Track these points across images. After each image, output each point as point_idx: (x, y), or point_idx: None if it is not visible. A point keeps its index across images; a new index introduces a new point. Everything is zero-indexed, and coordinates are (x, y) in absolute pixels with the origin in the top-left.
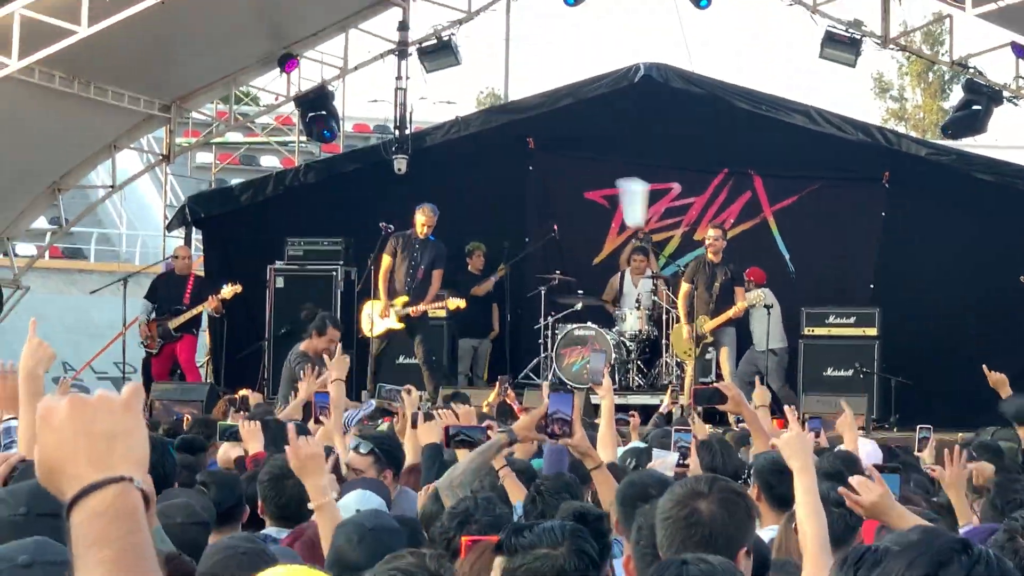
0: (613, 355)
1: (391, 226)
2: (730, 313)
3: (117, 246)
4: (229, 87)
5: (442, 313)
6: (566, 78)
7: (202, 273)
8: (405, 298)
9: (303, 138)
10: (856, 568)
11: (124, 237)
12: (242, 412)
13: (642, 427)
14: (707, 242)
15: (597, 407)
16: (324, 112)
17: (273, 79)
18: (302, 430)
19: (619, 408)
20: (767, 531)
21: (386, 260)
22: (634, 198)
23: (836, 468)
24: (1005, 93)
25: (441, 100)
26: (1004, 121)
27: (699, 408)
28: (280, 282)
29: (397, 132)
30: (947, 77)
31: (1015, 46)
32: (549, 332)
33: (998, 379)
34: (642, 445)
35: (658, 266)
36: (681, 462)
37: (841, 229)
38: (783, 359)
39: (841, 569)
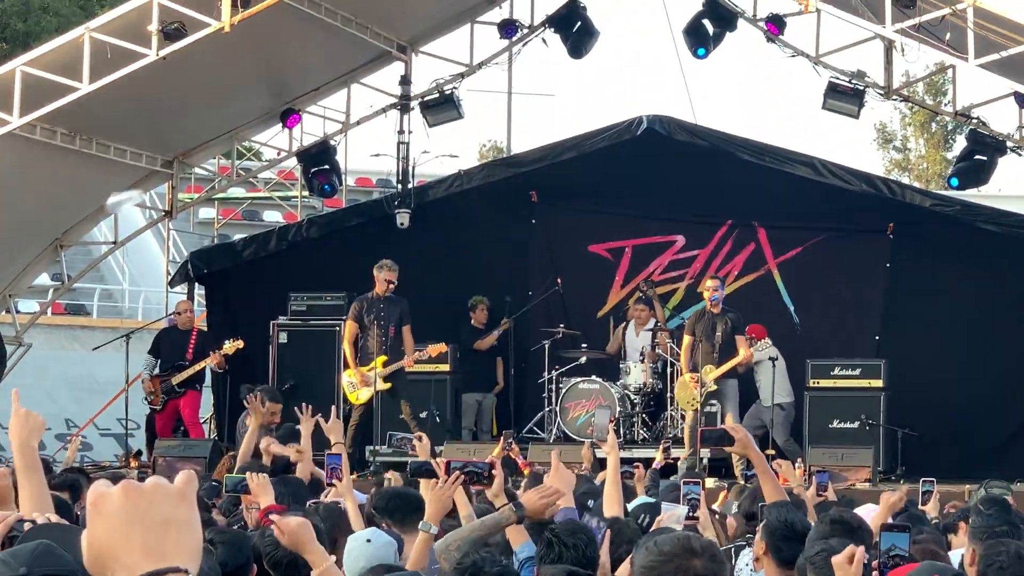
0: (618, 408)
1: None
2: (735, 361)
3: (120, 302)
4: (231, 142)
5: (426, 363)
6: (569, 130)
7: (205, 328)
8: (384, 358)
9: (306, 193)
10: None
11: (127, 293)
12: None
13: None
14: (706, 294)
15: (603, 461)
16: (327, 167)
17: (275, 134)
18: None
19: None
20: None
21: (351, 327)
22: None
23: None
24: (1009, 144)
25: (444, 153)
26: (1008, 171)
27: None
28: (283, 337)
29: (400, 186)
30: (950, 127)
31: (1018, 96)
32: (553, 386)
33: None
34: (652, 500)
35: (663, 317)
36: (691, 515)
37: (846, 281)
38: (790, 413)
39: None
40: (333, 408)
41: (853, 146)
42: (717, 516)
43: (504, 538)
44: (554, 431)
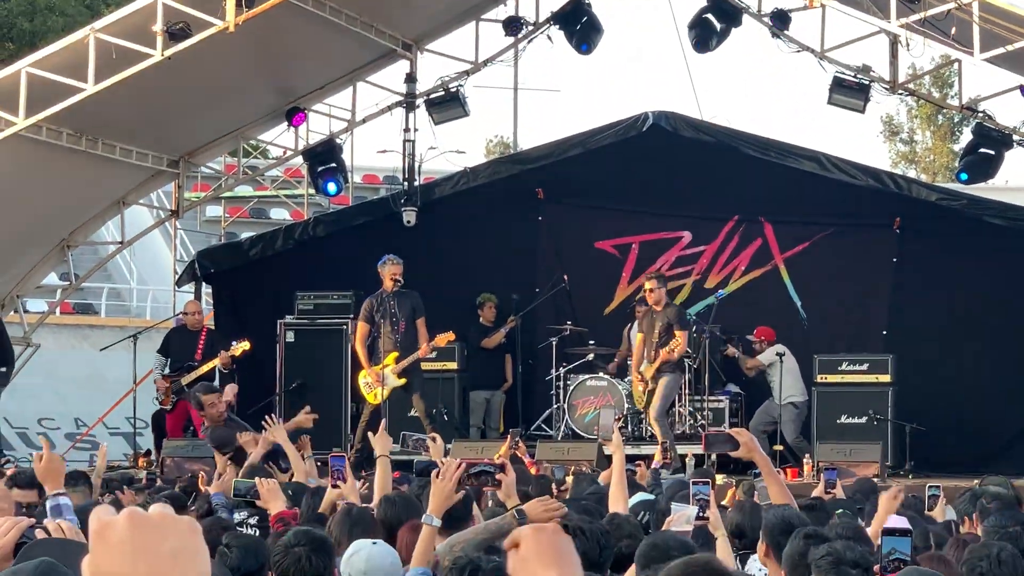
0: (625, 406)
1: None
2: (669, 356)
3: (128, 301)
4: (237, 141)
5: (434, 360)
6: (575, 126)
7: (214, 327)
8: (395, 354)
9: (312, 190)
10: None
11: (135, 292)
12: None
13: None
14: (644, 294)
15: (609, 458)
16: (333, 164)
17: (281, 132)
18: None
19: (631, 459)
20: None
21: (362, 327)
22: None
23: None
24: (1015, 137)
25: (450, 149)
26: (1014, 163)
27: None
28: (290, 336)
29: (406, 184)
30: (957, 120)
31: None
32: (561, 383)
33: None
34: (651, 497)
35: None
36: (700, 515)
37: (853, 276)
38: (803, 412)
39: None
40: (382, 427)
41: (860, 139)
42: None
43: None
44: (562, 428)
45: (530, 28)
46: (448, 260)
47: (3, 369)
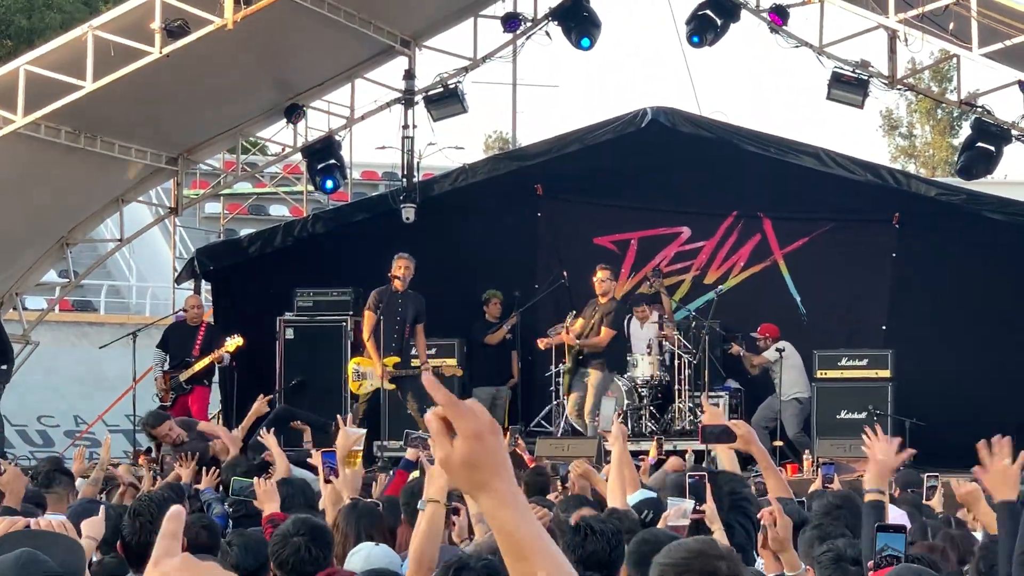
0: (625, 401)
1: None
2: (594, 341)
3: (127, 298)
4: (236, 138)
5: (433, 353)
6: (574, 121)
7: (213, 322)
8: (396, 359)
9: (311, 187)
10: None
11: (134, 289)
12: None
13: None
14: (595, 284)
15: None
16: (332, 161)
17: (280, 129)
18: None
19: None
20: None
21: (370, 316)
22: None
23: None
24: (1014, 132)
25: (449, 145)
26: (1013, 157)
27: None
28: (290, 334)
29: (405, 181)
30: (956, 114)
31: (1022, 84)
32: (560, 379)
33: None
34: (653, 494)
35: (671, 308)
36: (697, 508)
37: (852, 271)
38: (806, 408)
39: None
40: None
41: (859, 133)
42: None
43: None
44: (561, 424)
45: (528, 24)
46: (447, 257)
47: (3, 367)
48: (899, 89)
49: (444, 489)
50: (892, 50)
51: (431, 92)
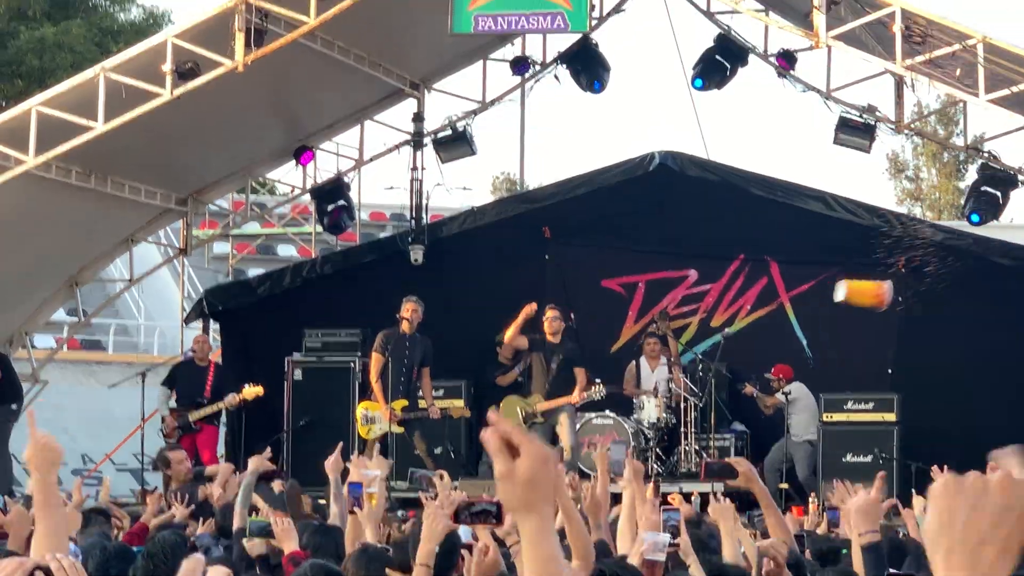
0: (632, 443)
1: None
2: (570, 399)
3: (135, 337)
4: (245, 179)
5: (441, 395)
6: (582, 164)
7: (221, 362)
8: (404, 402)
9: (320, 228)
10: None
11: (143, 328)
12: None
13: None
14: (544, 323)
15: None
16: (341, 202)
17: (289, 170)
18: None
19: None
20: None
21: (378, 359)
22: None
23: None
24: (1020, 177)
25: (457, 187)
26: (1020, 201)
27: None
28: (298, 374)
29: (413, 223)
30: (963, 157)
31: None
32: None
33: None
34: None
35: (678, 351)
36: (672, 541)
37: (858, 314)
38: (816, 450)
39: None
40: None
41: (865, 176)
42: None
43: None
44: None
45: (537, 68)
46: (455, 298)
47: (13, 406)
48: (906, 134)
49: (432, 554)
50: (899, 95)
51: (440, 134)
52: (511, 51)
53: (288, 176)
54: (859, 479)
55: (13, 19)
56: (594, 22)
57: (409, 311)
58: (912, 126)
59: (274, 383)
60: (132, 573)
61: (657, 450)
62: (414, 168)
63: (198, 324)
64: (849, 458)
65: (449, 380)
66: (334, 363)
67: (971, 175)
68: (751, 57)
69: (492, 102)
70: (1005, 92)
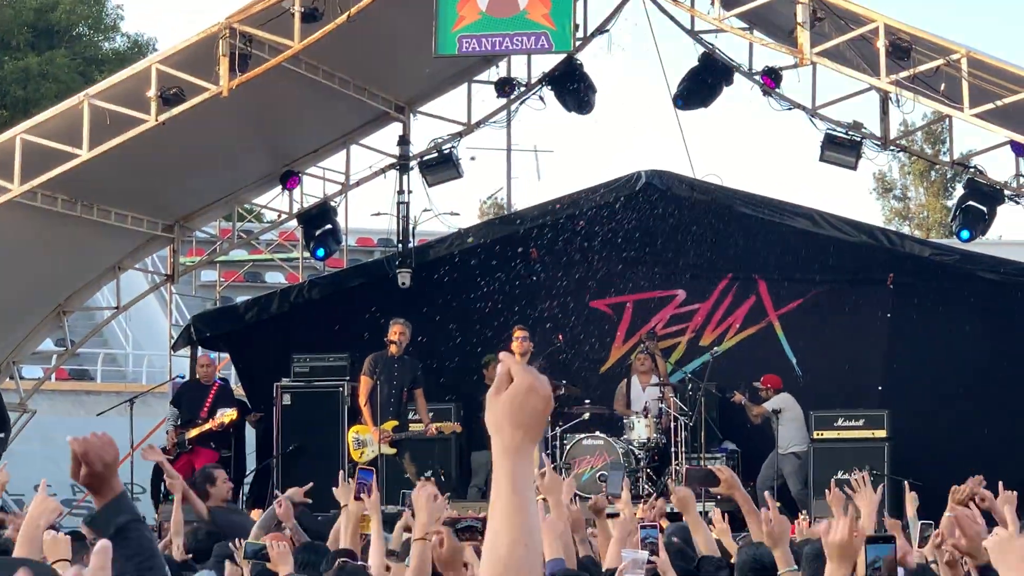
0: (624, 464)
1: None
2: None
3: (123, 366)
4: (231, 205)
5: (431, 418)
6: (569, 184)
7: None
8: (394, 422)
9: (307, 253)
10: None
11: (131, 357)
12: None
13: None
14: (513, 344)
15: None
16: (327, 227)
17: (276, 196)
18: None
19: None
20: None
21: (367, 382)
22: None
23: None
24: (1007, 192)
25: (445, 211)
26: (1008, 217)
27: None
28: (287, 399)
29: (400, 246)
30: (950, 175)
31: (1015, 144)
32: (557, 443)
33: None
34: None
35: (666, 371)
36: (650, 559)
37: (847, 332)
38: (805, 462)
39: None
40: (341, 473)
41: (853, 195)
42: None
43: None
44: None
45: (522, 89)
46: (443, 321)
47: (0, 435)
48: (892, 150)
49: (427, 526)
50: (884, 111)
51: (426, 157)
52: (496, 73)
53: (274, 202)
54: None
55: None
56: (578, 43)
57: (396, 333)
58: (898, 143)
59: (263, 408)
60: None
61: (648, 470)
62: (400, 192)
63: (186, 351)
64: (840, 475)
65: (439, 403)
66: (323, 388)
67: (959, 193)
68: (736, 75)
69: (477, 124)
70: (989, 106)
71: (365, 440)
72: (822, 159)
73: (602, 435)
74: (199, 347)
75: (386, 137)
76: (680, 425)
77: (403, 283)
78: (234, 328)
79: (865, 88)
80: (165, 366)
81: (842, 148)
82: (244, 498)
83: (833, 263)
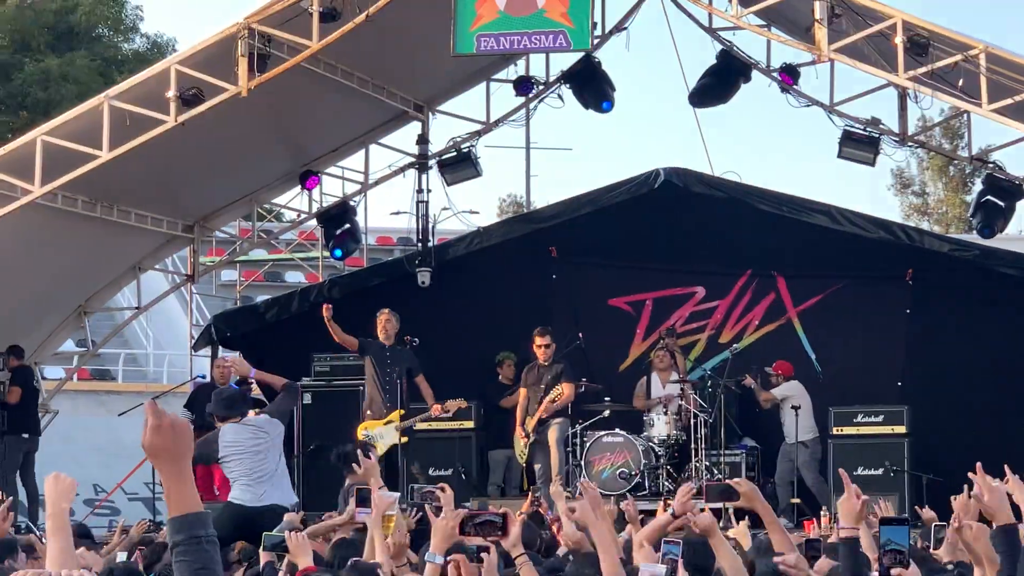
0: (642, 462)
1: (415, 339)
2: (554, 406)
3: (144, 366)
4: (251, 205)
5: (450, 420)
6: (588, 182)
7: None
8: (401, 411)
9: (327, 253)
10: None
11: (151, 357)
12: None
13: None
14: (536, 351)
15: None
16: (347, 226)
17: (295, 196)
18: None
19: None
20: None
21: (370, 369)
22: None
23: None
24: None
25: (463, 209)
26: None
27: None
28: (307, 399)
29: (420, 245)
30: (969, 171)
31: None
32: (578, 440)
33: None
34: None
35: (685, 368)
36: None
37: (866, 328)
38: (815, 451)
39: None
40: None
41: (871, 191)
42: None
43: None
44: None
45: (541, 88)
46: (463, 320)
47: (25, 435)
48: (910, 146)
49: (443, 548)
50: (902, 107)
51: (445, 156)
52: (514, 71)
53: (294, 202)
54: (869, 492)
55: (17, 51)
56: (596, 40)
57: (382, 321)
58: (916, 138)
59: None
60: None
61: (668, 467)
62: (419, 191)
63: (207, 351)
64: (860, 471)
65: (454, 399)
66: (343, 387)
67: (977, 188)
68: (754, 72)
69: (496, 123)
70: (1008, 101)
71: (374, 435)
72: (840, 155)
73: (622, 432)
74: (219, 347)
75: (405, 136)
76: (700, 422)
77: (423, 282)
78: (254, 328)
79: (883, 84)
80: (186, 366)
81: (860, 144)
82: None
83: (852, 260)
